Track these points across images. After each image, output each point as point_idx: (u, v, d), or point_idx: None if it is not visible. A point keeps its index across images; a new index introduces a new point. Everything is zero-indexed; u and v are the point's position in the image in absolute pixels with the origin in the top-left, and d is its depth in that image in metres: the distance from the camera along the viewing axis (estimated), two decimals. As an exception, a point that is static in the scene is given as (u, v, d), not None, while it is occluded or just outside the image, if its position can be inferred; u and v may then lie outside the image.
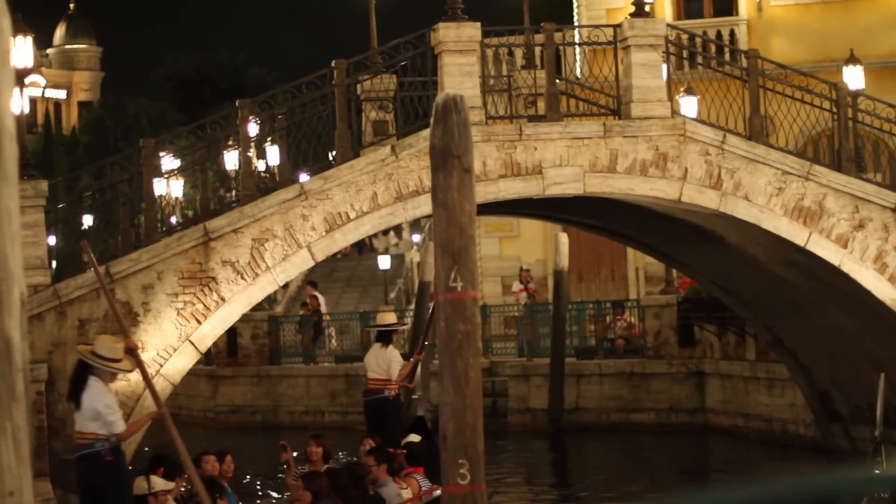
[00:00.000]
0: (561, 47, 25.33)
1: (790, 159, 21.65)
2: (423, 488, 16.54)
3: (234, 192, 22.19)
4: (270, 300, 37.46)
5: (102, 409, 13.78)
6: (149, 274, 20.08)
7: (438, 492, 14.80)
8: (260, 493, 25.64)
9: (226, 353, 38.25)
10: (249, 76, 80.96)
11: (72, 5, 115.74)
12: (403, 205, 20.70)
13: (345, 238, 21.01)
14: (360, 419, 21.19)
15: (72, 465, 19.92)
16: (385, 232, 47.04)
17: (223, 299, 20.15)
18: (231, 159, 22.78)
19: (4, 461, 3.41)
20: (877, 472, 15.45)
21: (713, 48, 31.58)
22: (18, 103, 21.97)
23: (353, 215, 20.62)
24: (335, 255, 30.13)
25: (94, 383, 13.84)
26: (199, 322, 20.02)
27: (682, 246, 25.22)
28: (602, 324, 34.43)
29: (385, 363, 19.15)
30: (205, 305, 20.10)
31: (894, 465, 16.89)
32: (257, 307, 29.65)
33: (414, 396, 30.22)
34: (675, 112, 22.14)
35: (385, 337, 19.55)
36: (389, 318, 20.71)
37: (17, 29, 20.99)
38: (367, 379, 19.55)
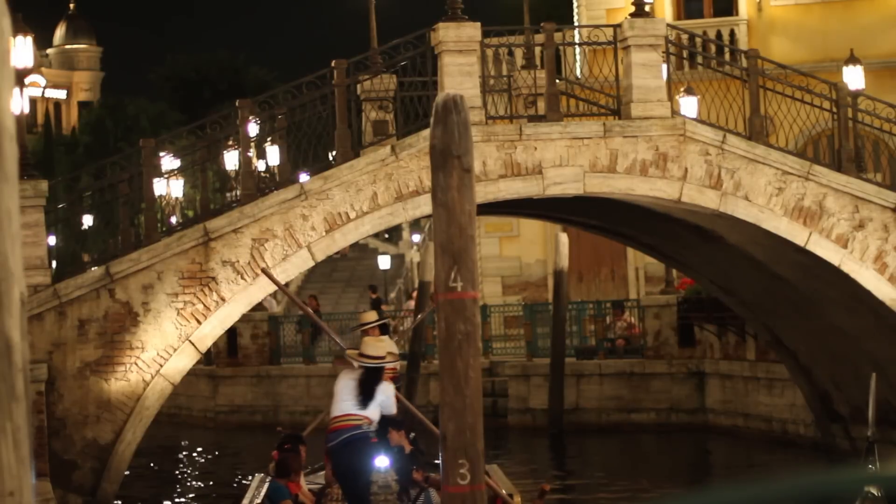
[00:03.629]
0: (561, 47, 25.32)
1: (790, 159, 21.65)
2: None
3: (234, 192, 22.21)
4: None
5: (389, 398, 15.07)
6: (149, 274, 20.09)
7: None
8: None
9: (226, 353, 38.21)
10: (249, 76, 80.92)
11: (72, 5, 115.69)
12: (403, 205, 20.71)
13: (345, 238, 21.02)
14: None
15: (69, 464, 19.93)
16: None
17: (223, 299, 20.15)
18: (231, 159, 22.78)
19: (4, 461, 3.40)
20: (870, 469, 15.47)
21: (713, 48, 31.57)
22: (18, 103, 21.97)
23: (353, 215, 20.62)
24: (335, 254, 30.08)
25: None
26: (199, 322, 20.03)
27: (682, 246, 25.21)
28: (602, 324, 34.42)
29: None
30: (205, 305, 20.10)
31: (888, 464, 16.89)
32: (257, 307, 29.64)
33: None
34: (675, 112, 22.14)
35: (386, 329, 19.95)
36: (373, 315, 21.08)
37: (17, 29, 20.98)
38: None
